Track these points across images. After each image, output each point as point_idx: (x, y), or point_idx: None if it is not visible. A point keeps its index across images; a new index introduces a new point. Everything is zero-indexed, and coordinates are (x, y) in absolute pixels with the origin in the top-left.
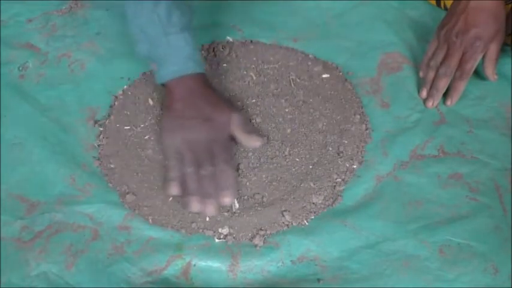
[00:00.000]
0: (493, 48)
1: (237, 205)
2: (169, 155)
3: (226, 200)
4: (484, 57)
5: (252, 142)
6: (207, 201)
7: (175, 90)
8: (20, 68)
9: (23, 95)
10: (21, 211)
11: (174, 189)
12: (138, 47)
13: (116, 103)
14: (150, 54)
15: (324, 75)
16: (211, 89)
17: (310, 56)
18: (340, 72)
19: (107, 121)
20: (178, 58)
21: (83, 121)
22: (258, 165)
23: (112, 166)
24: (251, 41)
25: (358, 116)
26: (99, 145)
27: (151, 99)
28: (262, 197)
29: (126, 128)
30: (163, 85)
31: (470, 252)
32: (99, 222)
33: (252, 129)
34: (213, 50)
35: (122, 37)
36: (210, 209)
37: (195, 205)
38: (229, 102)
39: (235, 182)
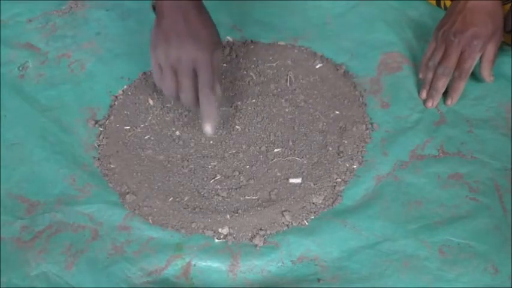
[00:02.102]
0: (491, 49)
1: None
2: (153, 68)
3: (207, 129)
4: (481, 57)
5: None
6: None
7: (164, 7)
8: (20, 68)
9: (23, 95)
10: (21, 211)
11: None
12: None
13: (116, 103)
14: None
15: (324, 75)
16: (203, 11)
17: (311, 55)
18: (340, 72)
19: (107, 121)
20: None
21: (83, 121)
22: (257, 165)
23: (112, 166)
24: (251, 41)
25: (358, 116)
26: (99, 145)
27: (152, 99)
28: (262, 197)
29: (126, 128)
30: (155, 10)
31: (470, 252)
32: (99, 222)
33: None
34: None
35: (122, 37)
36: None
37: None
38: (216, 31)
39: (217, 109)
